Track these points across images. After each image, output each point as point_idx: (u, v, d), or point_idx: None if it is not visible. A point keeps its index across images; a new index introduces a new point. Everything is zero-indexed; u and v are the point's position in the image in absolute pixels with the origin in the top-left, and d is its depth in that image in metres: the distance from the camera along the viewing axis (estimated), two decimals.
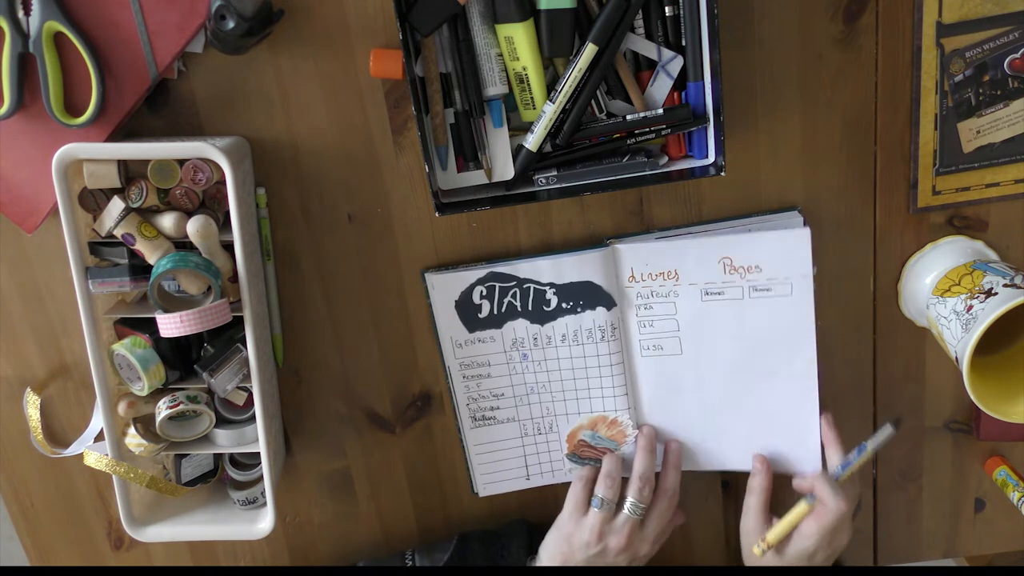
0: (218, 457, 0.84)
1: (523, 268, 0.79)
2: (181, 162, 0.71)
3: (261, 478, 0.79)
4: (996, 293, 0.73)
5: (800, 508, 0.77)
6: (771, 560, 0.79)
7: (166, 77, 0.73)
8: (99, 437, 0.78)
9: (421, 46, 0.71)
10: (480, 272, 0.79)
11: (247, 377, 0.73)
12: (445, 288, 0.78)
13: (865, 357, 0.87)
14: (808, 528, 0.76)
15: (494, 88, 0.73)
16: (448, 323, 0.80)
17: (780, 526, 0.77)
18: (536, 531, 0.86)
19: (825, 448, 0.80)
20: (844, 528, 0.76)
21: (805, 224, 0.79)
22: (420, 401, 0.86)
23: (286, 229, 0.79)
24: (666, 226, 0.81)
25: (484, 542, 0.87)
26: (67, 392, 0.83)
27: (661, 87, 0.75)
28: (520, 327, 0.80)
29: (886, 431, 0.75)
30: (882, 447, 0.75)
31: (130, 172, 0.72)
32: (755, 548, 0.79)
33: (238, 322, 0.72)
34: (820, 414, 0.80)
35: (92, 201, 0.72)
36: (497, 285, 0.78)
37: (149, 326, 0.72)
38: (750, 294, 0.76)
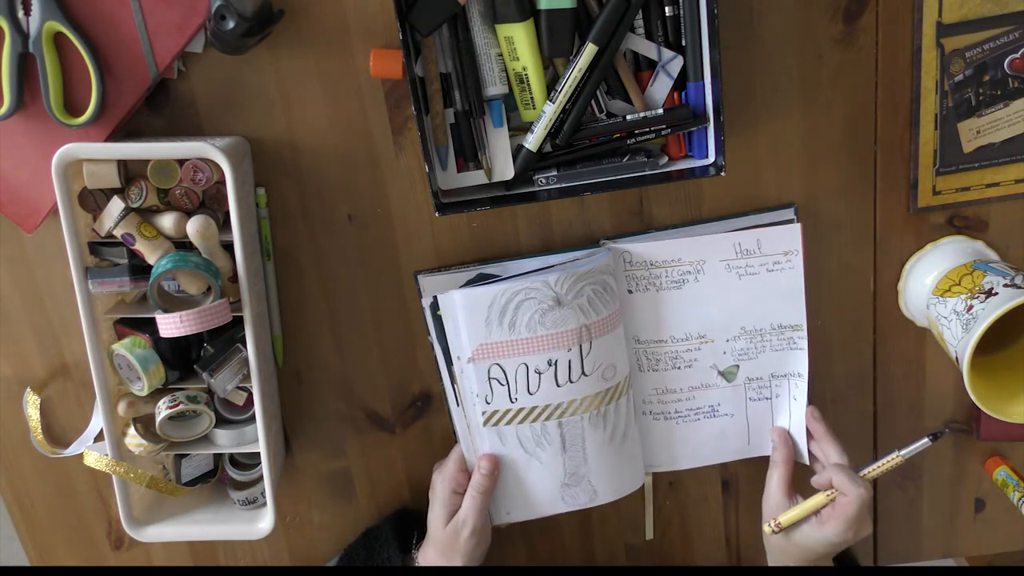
0: (218, 457, 0.84)
1: (512, 269, 0.79)
2: (181, 162, 0.71)
3: (261, 478, 0.79)
4: (996, 293, 0.73)
5: (818, 497, 0.76)
6: (789, 553, 0.78)
7: (166, 77, 0.73)
8: (99, 437, 0.78)
9: (421, 46, 0.71)
10: (469, 274, 0.79)
11: (247, 377, 0.73)
12: (436, 290, 0.78)
13: (865, 357, 0.87)
14: (833, 521, 0.75)
15: (494, 88, 0.73)
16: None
17: (795, 510, 0.77)
18: (414, 519, 0.86)
19: (819, 442, 0.81)
20: (866, 517, 0.76)
21: (798, 220, 0.81)
22: (420, 401, 0.86)
23: (286, 229, 0.79)
24: (665, 226, 0.81)
25: (366, 536, 0.87)
26: (67, 392, 0.83)
27: (661, 87, 0.75)
28: None
29: (922, 442, 0.75)
30: (913, 456, 0.75)
31: (130, 172, 0.72)
32: (765, 526, 0.79)
33: (238, 322, 0.72)
34: (807, 407, 0.82)
35: (92, 201, 0.72)
36: None
37: (149, 326, 0.72)
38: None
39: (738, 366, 0.83)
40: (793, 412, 0.83)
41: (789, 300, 0.80)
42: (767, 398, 0.84)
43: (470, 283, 0.79)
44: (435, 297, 0.77)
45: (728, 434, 0.85)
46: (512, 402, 0.78)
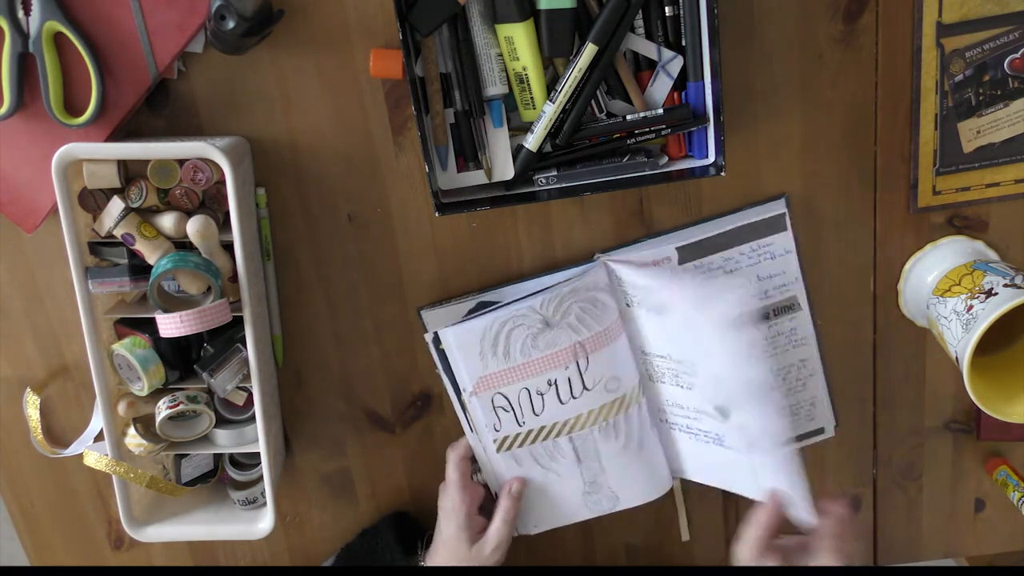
0: (218, 457, 0.84)
1: (511, 294, 0.79)
2: (181, 162, 0.71)
3: (261, 478, 0.79)
4: (996, 293, 0.73)
5: None
6: None
7: (166, 77, 0.73)
8: (99, 437, 0.78)
9: (421, 46, 0.71)
10: (470, 303, 0.80)
11: (247, 377, 0.73)
12: (440, 324, 0.78)
13: (865, 357, 0.87)
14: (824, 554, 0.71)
15: (494, 88, 0.73)
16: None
17: None
18: (412, 523, 0.87)
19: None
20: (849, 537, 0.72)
21: (788, 211, 0.80)
22: (420, 401, 0.86)
23: (286, 229, 0.79)
24: (666, 227, 0.81)
25: (363, 537, 0.88)
26: (67, 392, 0.83)
27: (661, 87, 0.75)
28: None
29: None
30: None
31: (130, 172, 0.72)
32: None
33: (238, 322, 0.72)
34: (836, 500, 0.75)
35: (92, 201, 0.72)
36: None
37: (149, 326, 0.72)
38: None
39: (730, 409, 0.76)
40: (790, 481, 0.75)
41: (750, 360, 0.72)
42: (765, 454, 0.76)
43: (471, 313, 0.79)
44: (435, 333, 0.77)
45: (735, 469, 0.80)
46: (520, 425, 0.79)
